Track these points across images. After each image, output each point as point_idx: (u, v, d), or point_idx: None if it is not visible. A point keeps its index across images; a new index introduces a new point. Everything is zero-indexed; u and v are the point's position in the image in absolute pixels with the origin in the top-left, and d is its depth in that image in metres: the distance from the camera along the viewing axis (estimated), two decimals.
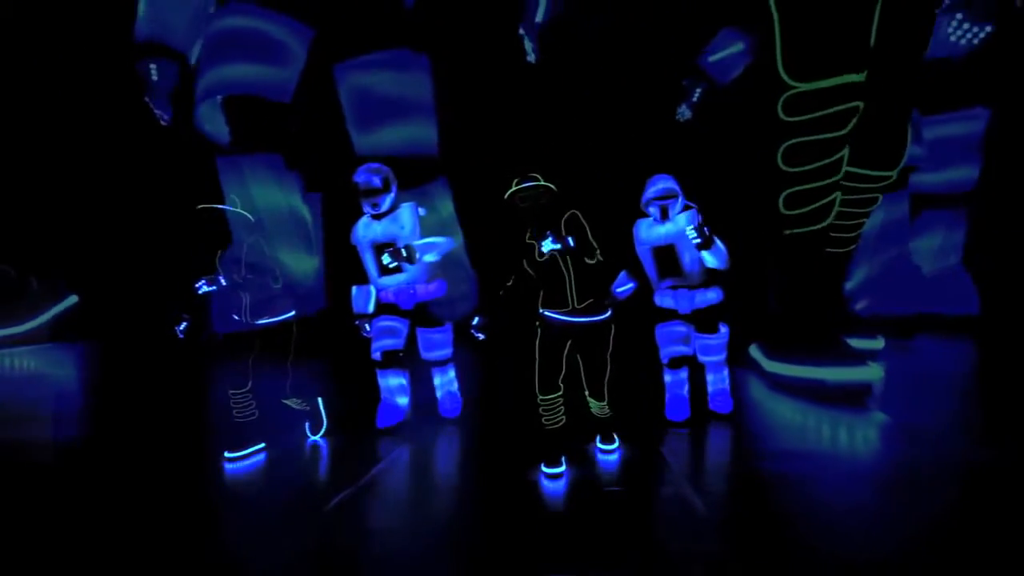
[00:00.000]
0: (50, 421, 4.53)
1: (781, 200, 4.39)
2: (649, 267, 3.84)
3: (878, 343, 5.85)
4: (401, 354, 3.89)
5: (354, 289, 3.93)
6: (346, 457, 3.51)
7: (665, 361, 3.91)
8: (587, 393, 3.35)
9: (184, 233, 3.50)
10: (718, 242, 3.37)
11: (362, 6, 6.50)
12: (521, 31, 6.87)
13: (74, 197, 9.27)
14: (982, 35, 7.11)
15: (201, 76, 6.37)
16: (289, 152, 6.74)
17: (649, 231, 3.75)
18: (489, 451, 3.63)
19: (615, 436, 3.40)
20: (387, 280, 3.84)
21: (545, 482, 2.94)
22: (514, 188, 3.06)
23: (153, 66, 6.92)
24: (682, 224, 3.54)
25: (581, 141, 6.69)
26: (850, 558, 2.14)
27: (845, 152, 4.37)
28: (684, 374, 3.91)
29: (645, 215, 3.80)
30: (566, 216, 3.00)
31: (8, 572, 2.23)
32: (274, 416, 3.68)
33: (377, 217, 3.83)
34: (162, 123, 7.05)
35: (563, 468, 3.02)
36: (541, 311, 3.15)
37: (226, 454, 3.35)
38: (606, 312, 3.13)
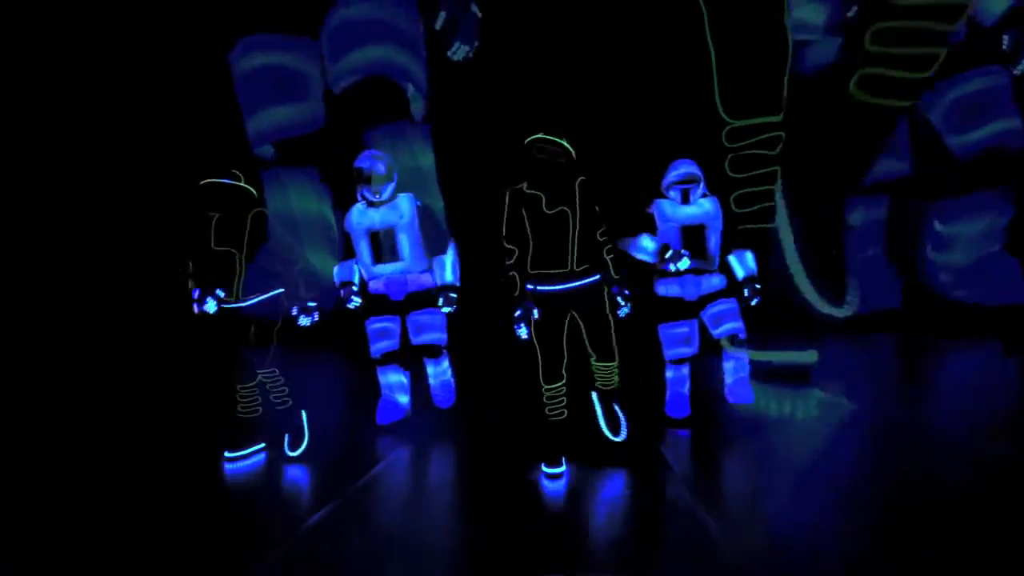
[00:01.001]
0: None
1: (732, 200, 5.20)
2: (675, 245, 3.75)
3: (811, 355, 5.37)
4: (400, 354, 3.85)
5: (336, 266, 3.85)
6: (345, 457, 3.50)
7: (669, 360, 3.89)
8: (594, 359, 3.26)
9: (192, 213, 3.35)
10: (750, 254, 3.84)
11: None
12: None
13: (76, 198, 9.21)
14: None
15: (246, 120, 6.53)
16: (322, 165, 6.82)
17: (675, 210, 3.77)
18: (487, 448, 3.61)
19: (622, 420, 3.30)
20: (380, 269, 3.78)
21: (545, 482, 2.92)
22: (538, 136, 3.02)
23: None
24: (707, 207, 3.74)
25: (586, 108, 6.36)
26: (848, 557, 2.12)
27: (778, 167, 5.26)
28: (686, 370, 3.88)
29: (653, 200, 3.84)
30: (579, 179, 3.01)
31: (8, 572, 2.24)
32: (274, 416, 3.66)
33: (374, 205, 3.76)
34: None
35: (563, 468, 2.99)
36: (531, 287, 3.07)
37: (226, 454, 3.35)
38: (596, 276, 3.14)
